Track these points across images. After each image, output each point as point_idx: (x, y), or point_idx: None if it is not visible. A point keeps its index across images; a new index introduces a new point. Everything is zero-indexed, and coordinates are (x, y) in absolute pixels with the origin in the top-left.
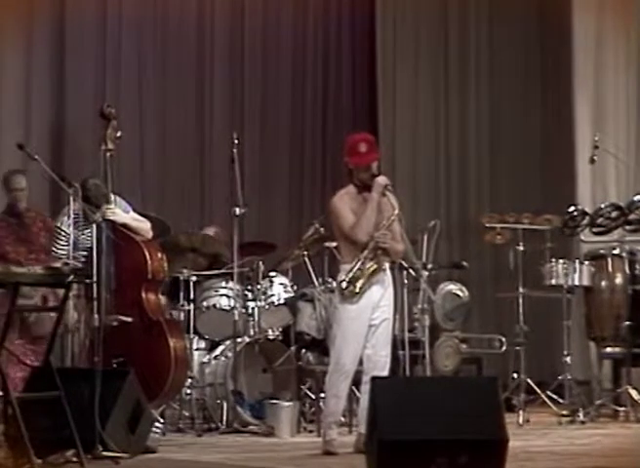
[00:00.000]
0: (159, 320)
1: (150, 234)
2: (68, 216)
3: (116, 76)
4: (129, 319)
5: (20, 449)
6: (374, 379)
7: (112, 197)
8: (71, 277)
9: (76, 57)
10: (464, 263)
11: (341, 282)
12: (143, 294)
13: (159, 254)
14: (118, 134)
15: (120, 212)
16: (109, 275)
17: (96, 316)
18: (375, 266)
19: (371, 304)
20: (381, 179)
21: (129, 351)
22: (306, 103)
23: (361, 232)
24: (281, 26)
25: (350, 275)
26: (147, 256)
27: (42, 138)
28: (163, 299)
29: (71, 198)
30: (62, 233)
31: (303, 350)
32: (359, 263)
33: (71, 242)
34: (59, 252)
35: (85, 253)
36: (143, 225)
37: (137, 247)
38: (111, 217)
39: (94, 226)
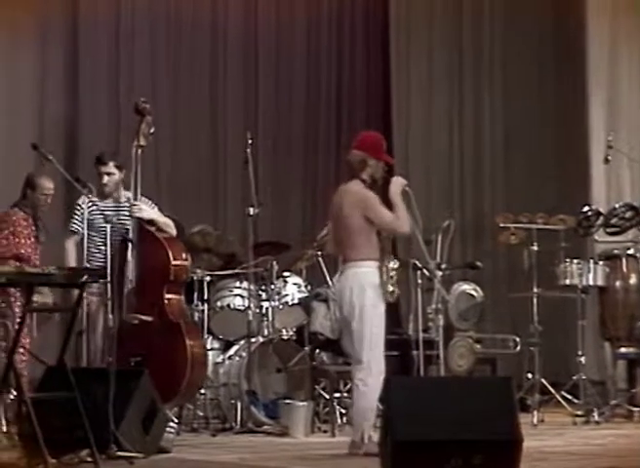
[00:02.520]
0: (178, 321)
1: (175, 231)
2: (88, 198)
3: (129, 76)
4: (149, 318)
5: (35, 449)
6: (388, 380)
7: (139, 195)
8: (85, 277)
9: (90, 56)
10: (479, 263)
11: (387, 284)
12: (165, 295)
13: (183, 255)
14: (152, 130)
15: (146, 207)
16: (132, 273)
17: (110, 316)
18: (397, 264)
19: None
20: (402, 179)
21: (147, 351)
22: (320, 103)
23: (406, 224)
24: (294, 26)
25: (388, 275)
26: (170, 257)
27: (56, 138)
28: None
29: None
30: (79, 209)
31: (317, 350)
32: (386, 262)
33: (85, 219)
34: (73, 226)
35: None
36: (170, 221)
37: (160, 247)
38: (137, 214)
39: (107, 227)
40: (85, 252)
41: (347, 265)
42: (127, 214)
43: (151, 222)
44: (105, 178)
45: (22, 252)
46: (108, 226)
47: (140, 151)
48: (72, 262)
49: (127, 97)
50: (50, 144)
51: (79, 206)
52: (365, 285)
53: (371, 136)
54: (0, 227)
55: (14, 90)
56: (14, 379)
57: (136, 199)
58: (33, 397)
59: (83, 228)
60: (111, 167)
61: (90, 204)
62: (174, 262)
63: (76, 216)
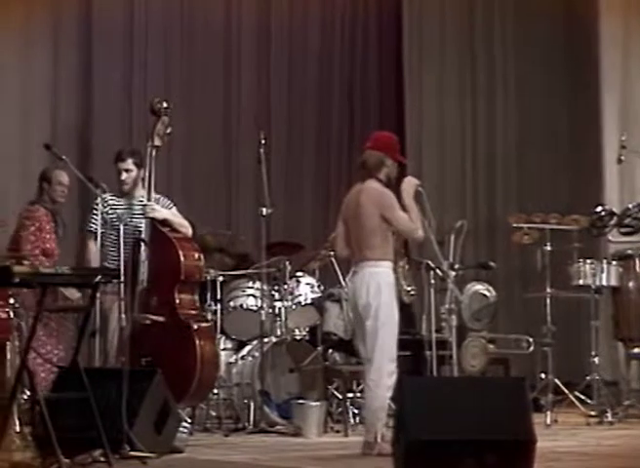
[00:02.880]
0: (188, 321)
1: (191, 231)
2: (105, 195)
3: (143, 77)
4: (160, 318)
5: (48, 449)
6: (401, 380)
7: (153, 195)
8: (99, 277)
9: (103, 57)
10: (492, 263)
11: (405, 284)
12: (176, 295)
13: (196, 255)
14: (168, 130)
15: (160, 207)
16: (144, 273)
17: (122, 316)
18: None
19: None
20: (414, 179)
21: (158, 351)
22: (333, 103)
23: (420, 229)
24: (307, 25)
25: (404, 275)
26: (181, 257)
27: (69, 138)
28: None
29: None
30: (96, 209)
31: (330, 350)
32: (399, 262)
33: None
34: (92, 226)
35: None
36: (185, 221)
37: (171, 247)
38: (151, 215)
39: (121, 227)
40: (102, 251)
41: (363, 264)
42: (141, 213)
43: (165, 222)
44: (124, 175)
45: (48, 246)
46: (122, 226)
47: (154, 152)
48: (94, 263)
49: (140, 98)
50: (63, 145)
51: (97, 205)
52: (381, 284)
53: (387, 137)
54: (27, 224)
55: (27, 90)
56: (27, 379)
57: (149, 199)
58: (46, 397)
59: (101, 227)
60: (130, 163)
61: (105, 203)
62: (184, 262)
63: (94, 217)
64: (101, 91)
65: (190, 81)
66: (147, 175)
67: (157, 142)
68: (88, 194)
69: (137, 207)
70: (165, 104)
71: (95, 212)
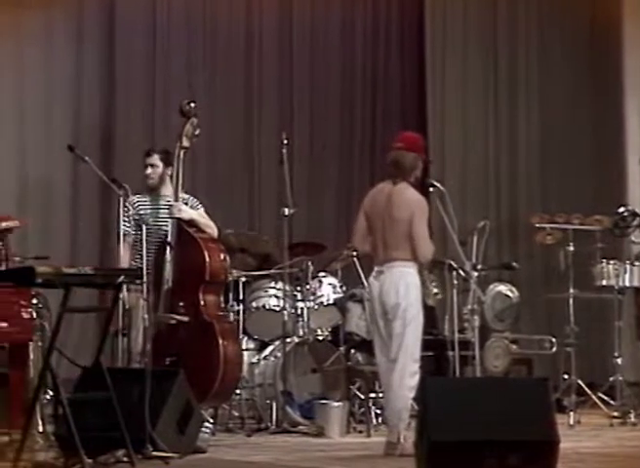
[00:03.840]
0: (212, 322)
1: (216, 232)
2: (132, 197)
3: (165, 76)
4: (185, 318)
5: (71, 449)
6: (424, 380)
7: (182, 194)
8: (121, 277)
9: (126, 56)
10: (514, 264)
11: (431, 286)
12: (201, 295)
13: (221, 256)
14: (197, 131)
15: (186, 208)
16: (167, 274)
17: (146, 316)
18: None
19: None
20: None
21: (182, 351)
22: (355, 103)
23: (431, 253)
24: (329, 25)
25: (429, 278)
26: (206, 258)
27: (92, 139)
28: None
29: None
30: (125, 211)
31: (352, 350)
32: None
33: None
34: (123, 228)
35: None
36: (211, 223)
37: (197, 247)
38: (177, 215)
39: (143, 227)
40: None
41: (390, 265)
42: (166, 212)
43: (191, 223)
44: (149, 170)
45: None
46: (144, 226)
47: (182, 153)
48: (125, 265)
49: (163, 98)
50: (86, 145)
51: (126, 207)
52: (410, 285)
53: (416, 137)
54: None
55: (50, 91)
56: (50, 380)
57: (176, 199)
58: (70, 397)
59: (131, 229)
60: (156, 159)
61: (133, 205)
62: (210, 263)
63: (124, 219)
64: (124, 91)
65: (212, 81)
66: (175, 175)
67: (185, 143)
68: (110, 195)
69: (163, 206)
70: (193, 105)
71: (124, 215)
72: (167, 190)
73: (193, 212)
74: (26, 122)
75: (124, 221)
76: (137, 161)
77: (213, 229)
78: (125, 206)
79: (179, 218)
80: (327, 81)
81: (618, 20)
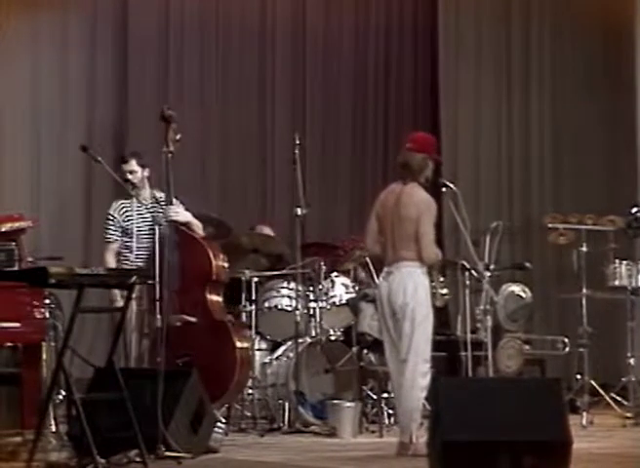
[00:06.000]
0: (224, 320)
1: (202, 233)
2: (116, 203)
3: (178, 77)
4: (193, 319)
5: (84, 450)
6: (436, 381)
7: (172, 198)
8: (134, 278)
9: (139, 58)
10: (527, 264)
11: (439, 287)
12: (207, 295)
13: (222, 256)
14: (178, 136)
15: (182, 211)
16: (173, 275)
17: (158, 316)
18: None
19: None
20: None
21: (193, 351)
22: (368, 104)
23: (434, 256)
24: (342, 27)
25: (437, 278)
26: (212, 257)
27: (105, 139)
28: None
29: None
30: (111, 218)
31: (365, 351)
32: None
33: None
34: (111, 237)
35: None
36: (199, 223)
37: (201, 247)
38: (174, 218)
39: (156, 228)
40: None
41: (399, 265)
42: (152, 215)
43: (186, 225)
44: (129, 176)
45: None
46: (135, 231)
47: (170, 157)
48: None
49: (176, 99)
50: (99, 146)
51: (110, 214)
52: (418, 285)
53: (427, 138)
54: None
55: (63, 92)
56: (63, 380)
57: (170, 203)
58: (82, 397)
59: (118, 235)
60: (134, 164)
61: (119, 211)
62: (215, 262)
63: (110, 225)
64: (136, 92)
65: (225, 82)
66: (166, 179)
67: (171, 148)
68: (123, 195)
69: (150, 209)
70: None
71: (109, 221)
72: (147, 193)
73: (188, 213)
74: (41, 123)
75: (110, 228)
76: (149, 162)
77: (200, 229)
78: (109, 212)
79: (175, 221)
80: (340, 82)
81: (631, 19)
